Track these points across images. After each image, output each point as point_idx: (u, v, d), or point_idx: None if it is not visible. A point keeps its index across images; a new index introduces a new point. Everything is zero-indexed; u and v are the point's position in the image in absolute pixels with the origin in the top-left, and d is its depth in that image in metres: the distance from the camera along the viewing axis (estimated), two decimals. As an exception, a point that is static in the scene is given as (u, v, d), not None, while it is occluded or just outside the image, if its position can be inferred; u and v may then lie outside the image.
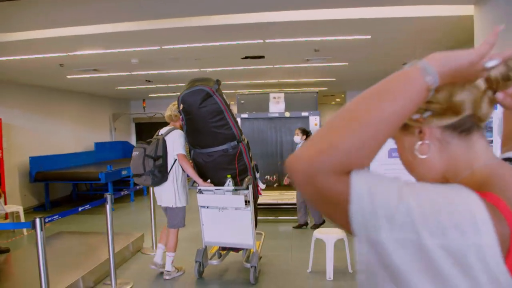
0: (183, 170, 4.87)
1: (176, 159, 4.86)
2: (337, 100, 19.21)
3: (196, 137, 4.57)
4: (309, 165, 0.71)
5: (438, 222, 0.67)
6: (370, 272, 0.72)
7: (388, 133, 0.72)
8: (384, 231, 0.68)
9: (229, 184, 4.72)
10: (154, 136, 5.10)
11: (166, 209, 5.09)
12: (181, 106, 4.38)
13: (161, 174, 4.80)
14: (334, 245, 4.80)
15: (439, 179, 0.87)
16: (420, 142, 0.85)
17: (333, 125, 0.75)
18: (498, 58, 0.77)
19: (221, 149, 4.55)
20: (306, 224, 7.16)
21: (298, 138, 7.06)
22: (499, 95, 0.82)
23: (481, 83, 0.84)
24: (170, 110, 5.12)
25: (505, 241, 0.70)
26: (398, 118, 0.73)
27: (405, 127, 0.88)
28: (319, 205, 0.77)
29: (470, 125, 0.84)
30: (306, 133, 7.07)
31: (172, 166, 4.88)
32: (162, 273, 5.11)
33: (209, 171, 4.75)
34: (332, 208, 0.75)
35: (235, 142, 4.56)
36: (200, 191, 4.80)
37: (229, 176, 4.72)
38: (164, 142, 4.89)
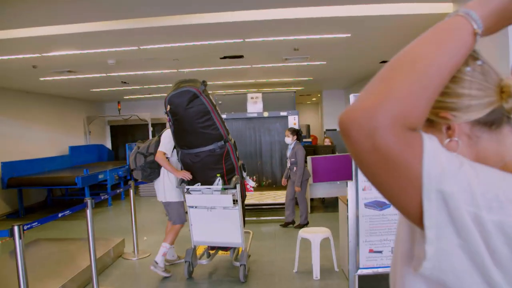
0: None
1: (167, 157, 5.01)
2: (313, 99, 19.31)
3: (183, 137, 4.59)
4: (368, 118, 0.64)
5: (496, 196, 0.65)
6: (439, 236, 0.67)
7: (443, 81, 0.69)
8: (455, 191, 0.65)
9: (218, 184, 4.75)
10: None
11: (163, 204, 5.34)
12: (168, 107, 4.42)
13: (151, 170, 5.09)
14: (320, 244, 4.78)
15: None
16: (448, 140, 0.80)
17: (388, 73, 0.70)
18: None
19: (208, 149, 4.59)
20: (293, 222, 7.14)
21: (289, 139, 7.03)
22: None
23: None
24: None
25: None
26: (452, 65, 0.69)
27: (431, 124, 0.83)
28: (379, 173, 0.68)
29: (500, 118, 0.80)
30: (296, 133, 7.06)
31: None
32: (145, 279, 5.00)
33: (197, 171, 4.79)
34: (395, 177, 0.67)
35: (222, 142, 4.60)
36: (188, 191, 4.80)
37: (218, 175, 4.76)
38: (158, 140, 5.09)
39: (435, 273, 0.69)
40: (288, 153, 7.08)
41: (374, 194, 3.49)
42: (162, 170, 5.12)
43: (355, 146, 0.66)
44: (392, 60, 0.70)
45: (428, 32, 0.72)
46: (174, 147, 4.95)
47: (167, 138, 4.98)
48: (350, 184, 3.47)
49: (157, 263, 5.02)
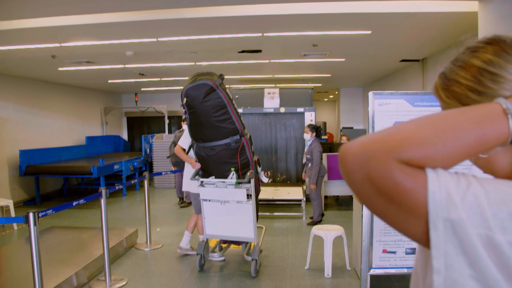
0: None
1: (190, 147, 5.11)
2: (330, 96, 19.18)
3: (199, 130, 4.59)
4: (366, 148, 0.65)
5: (509, 215, 0.61)
6: (447, 266, 0.64)
7: (462, 155, 0.65)
8: (464, 218, 0.62)
9: (232, 177, 4.76)
10: None
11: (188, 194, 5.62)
12: (185, 100, 4.42)
13: (179, 158, 5.45)
14: (332, 242, 4.74)
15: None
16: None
17: (407, 123, 0.67)
18: None
19: (224, 143, 4.59)
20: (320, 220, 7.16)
21: (308, 135, 7.05)
22: None
23: None
24: None
25: None
26: (472, 149, 0.65)
27: None
28: (374, 202, 0.67)
29: None
30: (316, 129, 7.06)
31: (187, 153, 5.18)
32: (156, 269, 5.04)
33: (212, 164, 4.80)
34: (396, 208, 0.66)
35: (238, 136, 4.60)
36: (202, 184, 4.80)
37: (233, 169, 4.77)
38: None
39: None
40: (306, 149, 7.11)
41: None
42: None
43: (349, 174, 0.67)
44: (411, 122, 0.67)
45: (465, 110, 0.69)
46: None
47: (185, 133, 5.07)
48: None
49: (181, 247, 5.54)
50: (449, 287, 0.65)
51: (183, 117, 4.71)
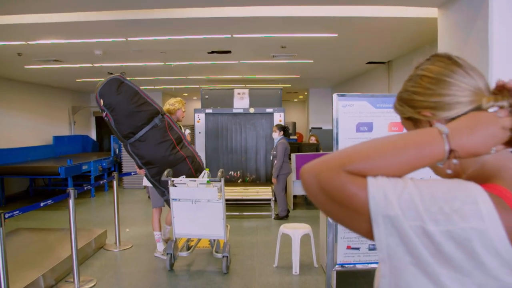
0: None
1: None
2: (300, 97, 19.39)
3: (125, 123, 4.71)
4: (319, 165, 0.77)
5: (440, 209, 0.72)
6: (390, 256, 0.75)
7: (403, 170, 0.78)
8: (399, 214, 0.73)
9: (204, 177, 4.93)
10: None
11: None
12: (101, 101, 4.59)
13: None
14: (300, 240, 4.85)
15: (453, 174, 0.90)
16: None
17: (353, 146, 0.80)
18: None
19: (151, 126, 4.78)
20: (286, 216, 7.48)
21: (276, 134, 7.43)
22: None
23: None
24: (168, 104, 5.61)
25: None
26: (411, 165, 0.77)
27: (415, 122, 0.94)
28: (331, 209, 0.79)
29: None
30: (283, 129, 7.44)
31: None
32: (125, 270, 5.05)
33: (151, 152, 4.86)
34: (345, 211, 0.77)
35: (160, 115, 4.83)
36: (173, 184, 4.86)
37: (207, 169, 5.06)
38: None
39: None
40: (274, 147, 7.43)
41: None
42: None
43: (307, 188, 0.79)
44: (356, 145, 0.80)
45: (408, 135, 0.81)
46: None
47: None
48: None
49: (158, 250, 5.58)
50: (393, 273, 0.76)
51: (106, 119, 4.76)
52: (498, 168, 0.85)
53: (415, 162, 0.77)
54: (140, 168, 5.02)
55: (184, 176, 4.92)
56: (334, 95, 3.50)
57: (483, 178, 0.85)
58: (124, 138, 4.78)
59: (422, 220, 0.72)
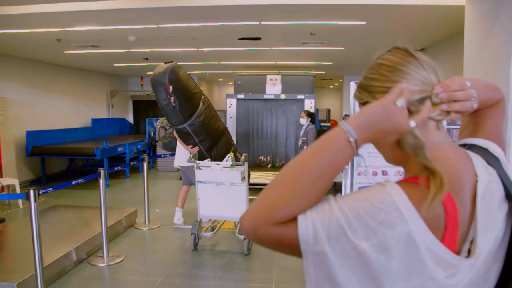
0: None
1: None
2: (335, 84, 19.25)
3: (187, 107, 5.27)
4: (249, 223, 0.84)
5: (366, 225, 0.79)
6: (318, 287, 0.82)
7: (323, 184, 0.84)
8: (326, 249, 0.79)
9: (228, 160, 5.16)
10: None
11: (182, 169, 6.09)
12: (171, 87, 4.92)
13: (169, 139, 6.01)
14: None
15: (407, 162, 0.99)
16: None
17: (270, 184, 0.87)
18: (402, 98, 0.87)
19: (203, 105, 5.57)
20: None
21: (304, 120, 7.57)
22: (444, 106, 0.93)
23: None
24: None
25: (439, 220, 0.83)
26: (331, 167, 0.84)
27: None
28: (277, 250, 0.88)
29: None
30: (311, 115, 7.56)
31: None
32: (152, 248, 5.30)
33: (205, 128, 5.52)
34: (284, 250, 0.86)
35: (203, 95, 5.75)
36: (198, 166, 5.08)
37: (231, 153, 5.37)
38: None
39: None
40: (301, 133, 7.54)
41: (368, 180, 3.63)
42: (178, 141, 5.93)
43: (251, 239, 0.86)
44: (280, 171, 0.87)
45: (313, 144, 0.88)
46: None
47: None
48: (346, 169, 3.62)
49: (174, 223, 6.17)
50: None
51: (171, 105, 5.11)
52: (435, 159, 0.89)
53: (330, 172, 0.84)
54: (194, 146, 5.53)
55: (209, 159, 5.12)
56: (352, 83, 3.56)
57: (421, 168, 0.89)
58: (185, 120, 5.29)
59: (352, 242, 0.78)
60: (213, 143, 5.62)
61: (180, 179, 9.37)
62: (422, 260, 0.79)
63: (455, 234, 0.84)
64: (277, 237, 0.82)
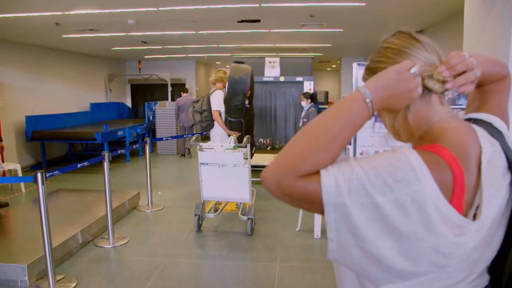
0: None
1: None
2: (333, 66, 19.24)
3: (250, 101, 6.41)
4: (275, 174, 0.89)
5: (384, 182, 0.85)
6: (338, 237, 0.89)
7: (343, 141, 0.90)
8: (347, 201, 0.85)
9: (230, 142, 5.26)
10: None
11: None
12: (249, 92, 5.94)
13: (207, 123, 6.21)
14: (322, 205, 5.01)
15: (412, 136, 1.07)
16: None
17: (292, 140, 0.92)
18: (417, 66, 0.94)
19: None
20: None
21: (304, 102, 7.58)
22: (449, 85, 0.98)
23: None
24: (215, 74, 6.31)
25: (448, 183, 0.89)
26: (349, 126, 0.90)
27: None
28: (296, 204, 0.94)
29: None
30: (310, 96, 7.55)
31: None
32: (156, 229, 5.39)
33: (251, 115, 6.59)
34: (306, 205, 0.91)
35: None
36: (201, 149, 5.15)
37: (234, 135, 5.51)
38: (209, 99, 6.14)
39: (340, 260, 0.94)
40: (303, 114, 7.59)
41: (371, 159, 3.69)
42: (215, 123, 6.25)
43: (272, 194, 0.91)
44: (303, 129, 0.92)
45: (333, 105, 0.94)
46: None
47: (219, 99, 6.09)
48: (349, 149, 3.68)
49: None
50: (339, 251, 0.91)
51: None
52: (442, 130, 0.99)
53: (348, 130, 0.90)
54: (238, 131, 6.09)
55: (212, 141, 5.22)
56: (354, 64, 3.61)
57: (429, 139, 0.99)
58: (243, 115, 6.07)
59: (371, 196, 0.84)
60: (249, 128, 6.38)
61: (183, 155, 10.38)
62: (432, 219, 0.85)
63: (461, 198, 0.90)
64: (300, 189, 0.87)
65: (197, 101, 6.35)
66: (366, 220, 0.85)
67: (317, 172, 0.87)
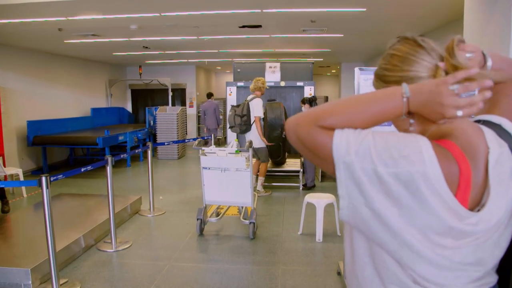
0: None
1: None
2: (332, 71, 19.29)
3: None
4: (297, 119, 0.97)
5: (390, 155, 0.90)
6: (348, 195, 0.94)
7: (368, 119, 0.95)
8: (354, 161, 0.91)
9: (233, 147, 5.26)
10: (243, 101, 7.33)
11: (254, 149, 6.93)
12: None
13: (245, 126, 7.08)
14: (324, 209, 5.04)
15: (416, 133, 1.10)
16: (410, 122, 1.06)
17: (331, 103, 0.99)
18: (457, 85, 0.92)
19: None
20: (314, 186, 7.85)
21: (304, 109, 7.78)
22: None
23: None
24: (254, 83, 7.22)
25: (453, 177, 0.94)
26: (377, 113, 0.96)
27: None
28: (309, 156, 1.00)
29: None
30: (309, 101, 7.78)
31: (253, 121, 7.10)
32: (158, 234, 5.41)
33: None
34: (318, 156, 0.97)
35: None
36: (204, 153, 5.19)
37: (236, 140, 5.52)
38: (249, 105, 7.07)
39: (351, 220, 0.98)
40: None
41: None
42: (253, 126, 7.10)
43: (289, 138, 0.99)
44: (336, 101, 1.00)
45: (373, 91, 1.02)
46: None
47: (259, 107, 7.04)
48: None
49: (259, 190, 7.29)
50: (351, 209, 0.96)
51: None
52: (451, 128, 1.03)
53: (378, 115, 0.95)
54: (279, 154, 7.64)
55: (214, 146, 5.23)
56: (356, 69, 3.64)
57: (439, 136, 1.03)
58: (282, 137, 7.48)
59: (374, 163, 0.90)
60: (284, 146, 7.83)
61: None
62: (429, 200, 0.90)
63: (466, 194, 0.95)
64: (313, 137, 0.94)
65: (237, 106, 7.23)
66: (370, 184, 0.91)
67: (333, 129, 0.94)
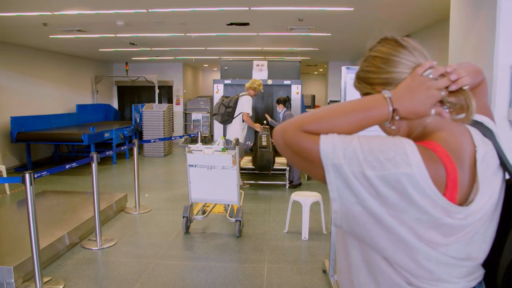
0: (242, 120, 7.32)
1: (241, 113, 7.25)
2: (320, 70, 19.34)
3: None
4: (285, 125, 0.98)
5: (376, 158, 0.92)
6: (340, 196, 0.95)
7: (353, 123, 0.97)
8: (343, 163, 0.92)
9: (219, 144, 5.24)
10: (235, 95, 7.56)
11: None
12: None
13: (227, 117, 7.28)
14: (310, 208, 5.06)
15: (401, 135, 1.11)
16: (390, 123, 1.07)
17: (316, 109, 1.02)
18: (430, 70, 1.01)
19: None
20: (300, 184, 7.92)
21: (279, 109, 8.04)
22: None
23: None
24: (251, 83, 7.46)
25: (441, 178, 0.95)
26: (361, 116, 0.98)
27: None
28: (297, 162, 1.01)
29: None
30: (283, 101, 7.96)
31: (237, 115, 7.28)
32: (144, 231, 5.37)
33: None
34: (305, 161, 0.98)
35: None
36: (190, 151, 5.16)
37: (223, 138, 5.50)
38: (237, 99, 7.30)
39: (345, 224, 0.99)
40: (281, 120, 7.95)
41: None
42: (236, 120, 7.31)
43: (277, 144, 1.00)
44: (319, 108, 1.03)
45: (361, 99, 1.03)
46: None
47: (248, 104, 7.26)
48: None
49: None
50: (343, 210, 0.97)
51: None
52: (435, 129, 1.05)
53: (363, 122, 0.97)
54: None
55: (200, 143, 5.19)
56: (343, 68, 3.65)
57: (423, 137, 1.05)
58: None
59: (362, 167, 0.91)
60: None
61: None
62: (419, 203, 0.92)
63: (454, 193, 0.97)
64: (299, 142, 0.95)
65: (227, 97, 7.43)
66: (360, 185, 0.92)
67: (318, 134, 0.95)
